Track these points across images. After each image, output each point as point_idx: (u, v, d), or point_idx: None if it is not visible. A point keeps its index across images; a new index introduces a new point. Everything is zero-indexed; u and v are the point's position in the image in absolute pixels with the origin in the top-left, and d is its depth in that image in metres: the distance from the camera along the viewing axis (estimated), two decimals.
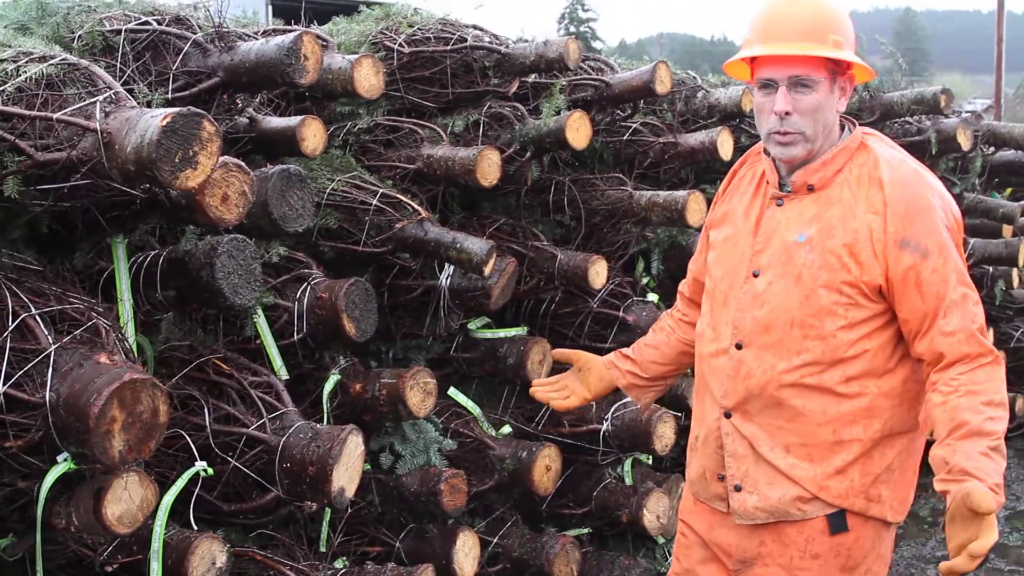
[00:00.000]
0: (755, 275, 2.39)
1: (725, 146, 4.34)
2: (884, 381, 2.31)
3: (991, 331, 6.12)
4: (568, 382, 2.86)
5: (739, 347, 2.39)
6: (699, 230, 3.61)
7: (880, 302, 2.29)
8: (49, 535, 2.46)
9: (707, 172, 4.82)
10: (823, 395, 2.31)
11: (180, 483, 2.69)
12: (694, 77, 5.03)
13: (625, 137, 4.51)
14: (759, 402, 2.36)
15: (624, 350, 2.86)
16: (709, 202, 2.94)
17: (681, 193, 4.13)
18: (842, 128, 2.42)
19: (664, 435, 3.82)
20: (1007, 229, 6.27)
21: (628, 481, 4.09)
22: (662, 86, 4.12)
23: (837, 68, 2.32)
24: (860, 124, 2.47)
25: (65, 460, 2.30)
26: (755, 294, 2.38)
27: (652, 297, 4.32)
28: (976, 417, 2.11)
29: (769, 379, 2.34)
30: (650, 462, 4.28)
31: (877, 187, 2.28)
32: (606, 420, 3.89)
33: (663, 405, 3.95)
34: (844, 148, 2.36)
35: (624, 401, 3.92)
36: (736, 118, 4.72)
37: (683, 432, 2.75)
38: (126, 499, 2.39)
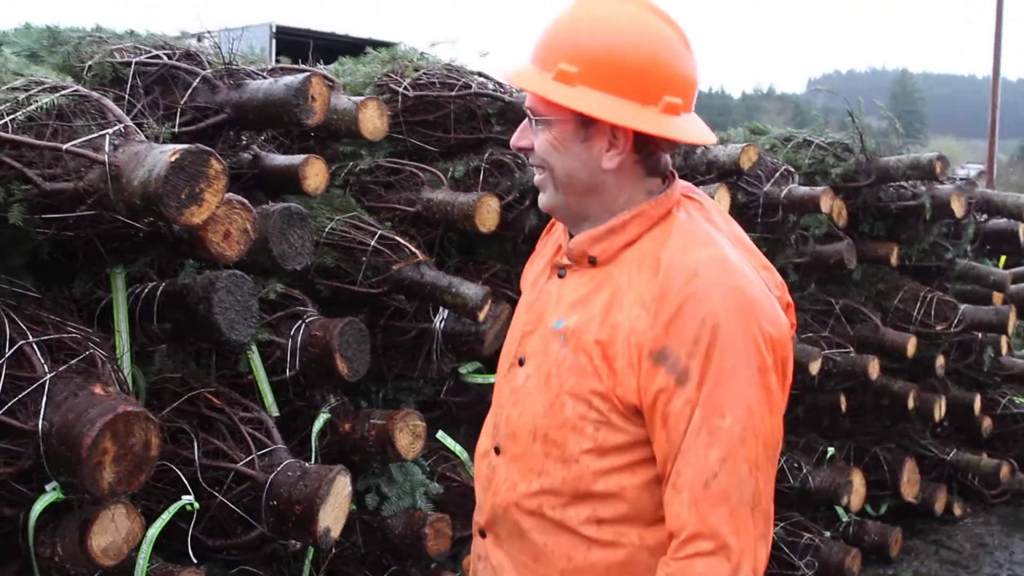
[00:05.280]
0: (520, 363, 1.86)
1: (723, 203, 4.37)
2: (652, 533, 1.71)
3: (978, 398, 6.05)
4: None
5: (497, 452, 1.90)
6: None
7: (642, 426, 1.69)
8: (31, 563, 2.45)
9: None
10: (567, 535, 1.75)
11: (166, 516, 2.68)
12: None
13: None
14: (504, 526, 1.86)
15: None
16: None
17: None
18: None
19: None
20: (997, 296, 6.32)
21: None
22: None
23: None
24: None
25: (53, 489, 2.30)
26: (514, 388, 1.86)
27: None
28: None
29: (510, 501, 1.83)
30: None
31: (652, 272, 1.69)
32: None
33: None
34: (641, 214, 1.75)
35: None
36: (734, 175, 4.77)
37: None
38: (112, 531, 2.38)
